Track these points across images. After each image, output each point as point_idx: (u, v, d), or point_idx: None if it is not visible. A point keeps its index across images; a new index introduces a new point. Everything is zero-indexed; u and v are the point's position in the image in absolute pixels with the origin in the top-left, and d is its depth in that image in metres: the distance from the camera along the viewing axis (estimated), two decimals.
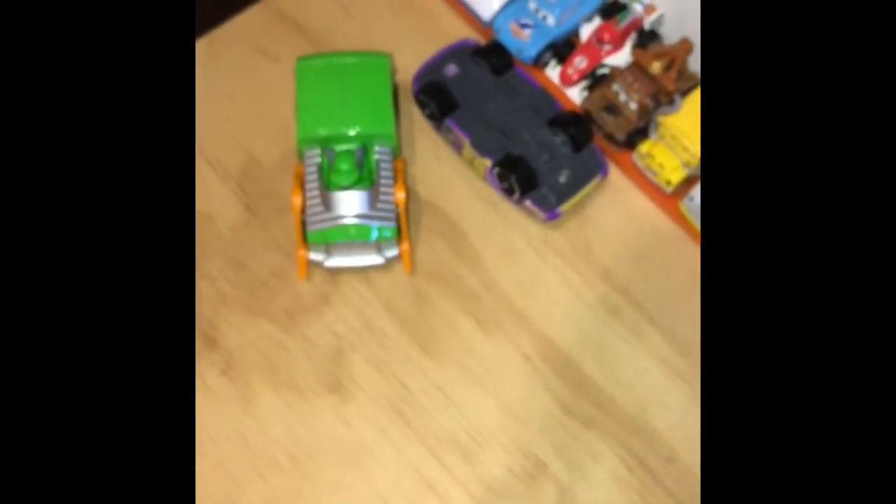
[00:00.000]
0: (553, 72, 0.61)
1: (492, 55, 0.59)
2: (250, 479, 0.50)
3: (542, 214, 0.56)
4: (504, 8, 0.61)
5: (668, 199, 0.57)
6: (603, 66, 0.60)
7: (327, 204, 0.53)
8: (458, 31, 0.63)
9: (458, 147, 0.58)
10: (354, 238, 0.54)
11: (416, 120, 0.61)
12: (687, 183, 0.57)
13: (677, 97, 0.56)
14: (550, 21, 0.60)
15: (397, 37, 0.63)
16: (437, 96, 0.57)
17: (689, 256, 0.57)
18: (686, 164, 0.56)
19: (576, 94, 0.60)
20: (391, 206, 0.54)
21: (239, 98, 0.62)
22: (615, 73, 0.58)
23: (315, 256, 0.54)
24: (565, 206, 0.56)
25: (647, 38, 0.60)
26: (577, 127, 0.56)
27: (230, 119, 0.61)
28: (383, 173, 0.54)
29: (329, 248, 0.54)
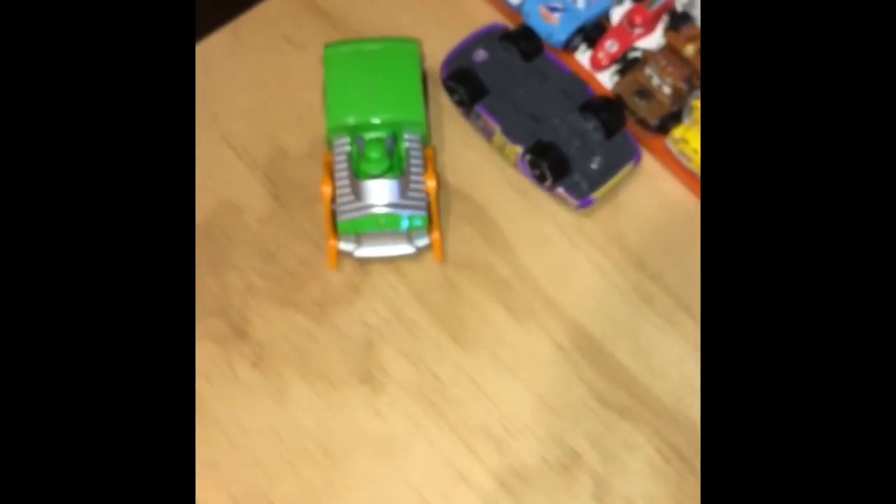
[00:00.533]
0: (583, 56, 0.60)
1: (521, 40, 0.58)
2: (283, 472, 0.50)
3: (574, 201, 0.55)
4: None
5: None
6: (634, 49, 0.59)
7: (357, 193, 0.53)
8: (485, 16, 0.62)
9: (487, 134, 0.57)
10: (384, 227, 0.53)
11: (444, 106, 0.60)
12: None
13: None
14: (580, 4, 0.59)
15: (423, 23, 0.62)
16: (467, 82, 0.56)
17: None
18: None
19: (606, 79, 0.59)
20: (422, 195, 0.53)
21: (264, 86, 0.61)
22: (648, 56, 0.57)
23: (345, 246, 0.54)
24: (598, 193, 0.55)
25: (679, 21, 0.58)
26: (609, 112, 0.55)
27: (256, 107, 0.60)
28: (413, 161, 0.54)
29: (359, 237, 0.54)
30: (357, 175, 0.53)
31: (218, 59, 0.62)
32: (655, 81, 0.56)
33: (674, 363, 0.53)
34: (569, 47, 0.59)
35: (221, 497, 0.49)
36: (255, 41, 0.62)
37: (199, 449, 0.50)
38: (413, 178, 0.53)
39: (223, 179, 0.58)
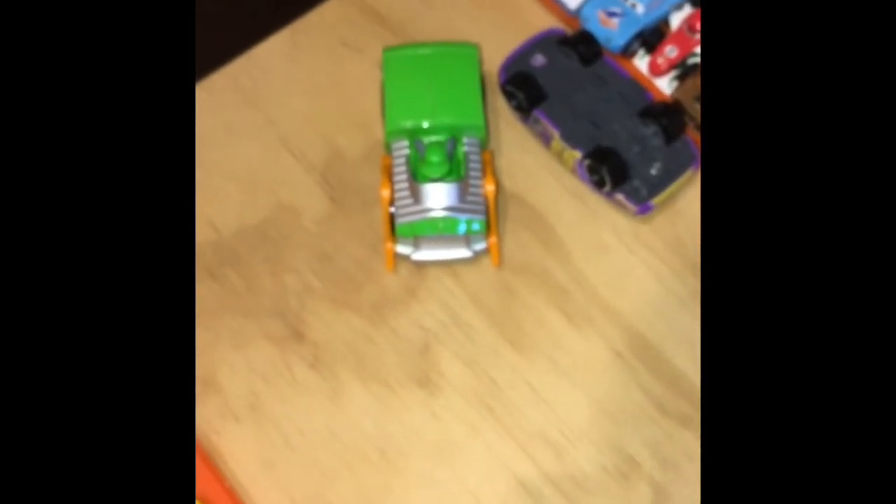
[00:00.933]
0: (641, 61, 0.59)
1: (580, 44, 0.57)
2: (340, 473, 0.50)
3: (633, 207, 0.54)
4: None
5: None
6: (694, 55, 0.58)
7: (416, 196, 0.53)
8: (542, 21, 0.62)
9: (546, 139, 0.57)
10: (442, 231, 0.53)
11: (501, 111, 0.60)
12: None
13: None
14: (639, 9, 0.59)
15: (480, 28, 0.62)
16: (525, 87, 0.56)
17: None
18: None
19: (665, 85, 0.59)
20: (480, 199, 0.53)
21: (321, 89, 0.61)
22: None
23: (403, 249, 0.54)
24: (658, 199, 0.54)
25: None
26: (669, 118, 0.55)
27: (313, 111, 0.60)
28: (472, 165, 0.54)
29: (417, 240, 0.54)
30: (416, 178, 0.53)
31: (275, 62, 0.62)
32: None
33: None
34: (627, 52, 0.59)
35: (280, 498, 0.49)
36: (312, 45, 0.63)
37: (256, 449, 0.50)
38: (472, 181, 0.53)
39: (281, 182, 0.58)
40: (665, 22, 0.60)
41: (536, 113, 0.56)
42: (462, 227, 0.53)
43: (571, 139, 0.55)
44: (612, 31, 0.59)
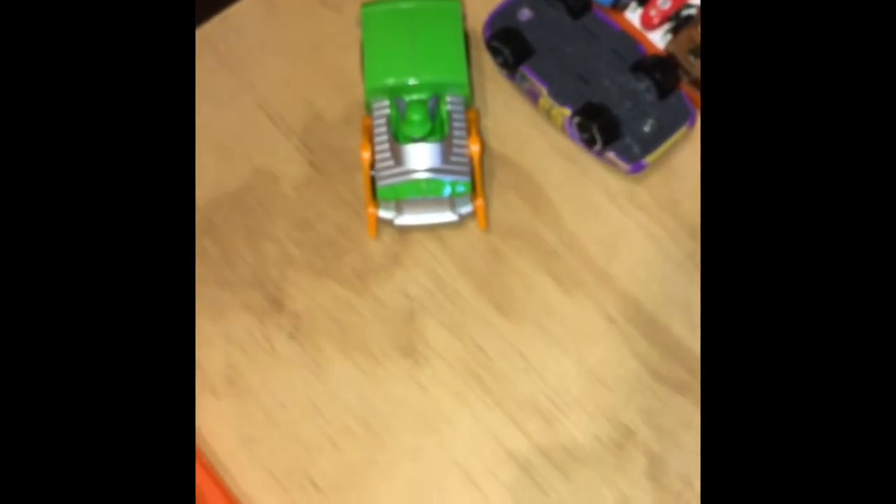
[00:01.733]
0: (633, 14, 0.57)
1: None
2: (322, 447, 0.48)
3: (625, 166, 0.52)
4: None
5: None
6: (689, 6, 0.56)
7: (398, 158, 0.50)
8: None
9: (533, 96, 0.54)
10: (426, 193, 0.51)
11: (486, 69, 0.57)
12: None
13: None
14: None
15: None
16: (512, 42, 0.54)
17: None
18: None
19: (658, 39, 0.56)
20: (465, 160, 0.51)
21: (299, 50, 0.59)
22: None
23: (385, 214, 0.52)
24: (651, 157, 0.52)
25: None
26: (663, 72, 0.52)
27: (291, 72, 0.58)
28: (456, 125, 0.51)
29: (400, 204, 0.51)
30: (397, 139, 0.51)
31: (251, 24, 0.60)
32: None
33: None
34: (618, 5, 0.57)
35: (260, 474, 0.47)
36: (289, 4, 0.60)
37: (235, 424, 0.48)
38: (456, 142, 0.51)
39: (258, 147, 0.56)
40: None
41: (523, 69, 0.54)
42: (447, 190, 0.51)
43: (560, 96, 0.53)
44: None
